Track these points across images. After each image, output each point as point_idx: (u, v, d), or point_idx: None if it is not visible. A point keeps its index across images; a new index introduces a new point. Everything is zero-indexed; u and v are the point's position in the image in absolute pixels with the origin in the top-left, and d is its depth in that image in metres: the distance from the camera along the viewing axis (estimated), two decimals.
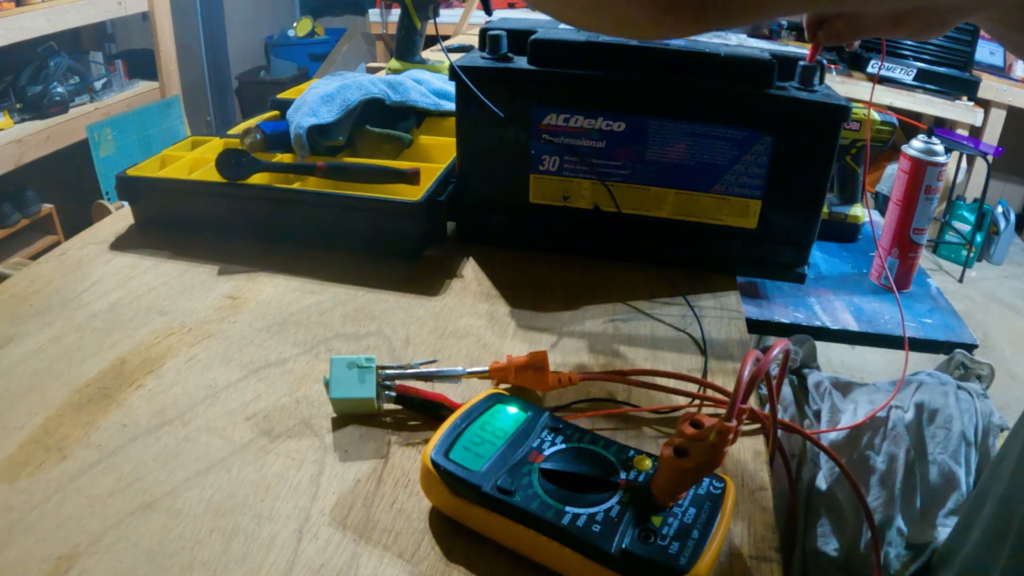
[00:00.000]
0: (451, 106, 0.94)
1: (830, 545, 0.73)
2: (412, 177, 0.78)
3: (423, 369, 0.54)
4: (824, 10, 0.56)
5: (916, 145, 0.82)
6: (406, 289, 0.70)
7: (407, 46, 1.27)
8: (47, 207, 2.53)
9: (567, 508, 0.39)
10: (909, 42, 2.35)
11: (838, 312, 0.82)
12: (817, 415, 0.76)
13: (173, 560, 0.41)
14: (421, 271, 0.74)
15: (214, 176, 0.77)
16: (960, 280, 2.83)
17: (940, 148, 0.81)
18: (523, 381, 0.54)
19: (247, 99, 3.79)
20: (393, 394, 0.52)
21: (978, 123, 2.61)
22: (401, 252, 0.75)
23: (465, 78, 0.70)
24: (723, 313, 0.68)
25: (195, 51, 3.40)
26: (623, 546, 0.37)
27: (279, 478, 0.47)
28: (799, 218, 0.73)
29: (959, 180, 2.85)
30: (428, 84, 0.99)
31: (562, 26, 0.81)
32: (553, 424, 0.46)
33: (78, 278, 0.71)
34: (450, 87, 0.97)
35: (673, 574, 0.36)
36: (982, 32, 2.20)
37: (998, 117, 2.62)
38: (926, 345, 0.79)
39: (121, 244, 0.78)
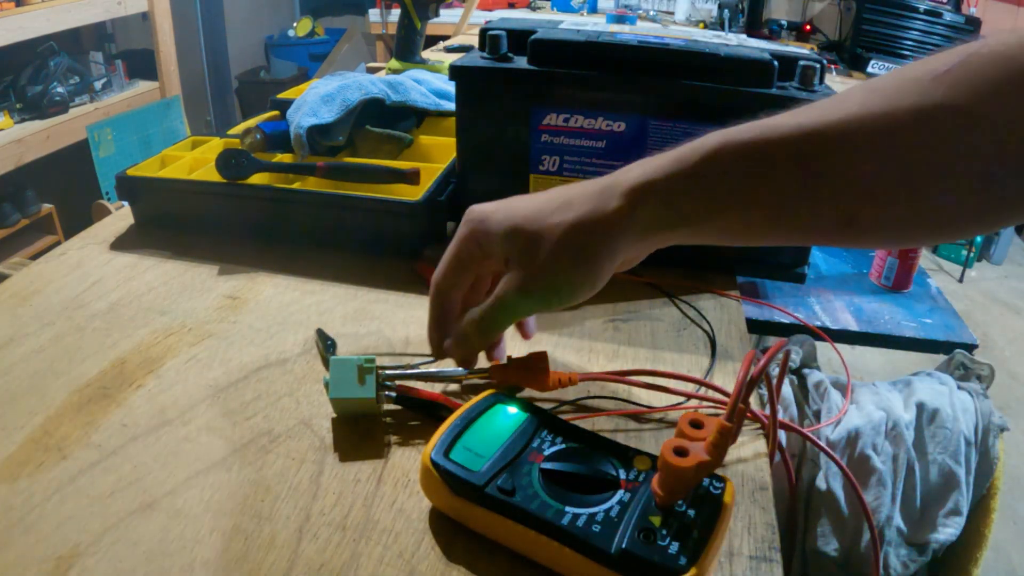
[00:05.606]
0: (451, 106, 0.94)
1: (830, 545, 0.73)
2: (412, 177, 0.77)
3: (423, 369, 0.54)
4: None
5: None
6: (406, 289, 0.70)
7: (407, 46, 1.27)
8: (47, 207, 2.54)
9: (567, 508, 0.39)
10: (909, 42, 2.35)
11: (838, 312, 0.82)
12: (817, 415, 0.76)
13: (173, 560, 0.41)
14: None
15: (214, 176, 0.77)
16: (960, 280, 2.83)
17: None
18: (523, 381, 0.54)
19: (247, 99, 3.79)
20: (393, 394, 0.52)
21: None
22: (401, 252, 0.75)
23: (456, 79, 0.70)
24: (723, 313, 0.68)
25: (195, 51, 3.41)
26: (623, 546, 0.37)
27: (279, 478, 0.47)
28: None
29: None
30: (428, 84, 0.99)
31: (562, 26, 0.81)
32: (553, 424, 0.46)
33: (78, 278, 0.71)
34: (450, 87, 0.97)
35: (673, 574, 0.36)
36: (981, 31, 2.21)
37: None
38: (926, 345, 0.79)
39: (121, 244, 0.78)
